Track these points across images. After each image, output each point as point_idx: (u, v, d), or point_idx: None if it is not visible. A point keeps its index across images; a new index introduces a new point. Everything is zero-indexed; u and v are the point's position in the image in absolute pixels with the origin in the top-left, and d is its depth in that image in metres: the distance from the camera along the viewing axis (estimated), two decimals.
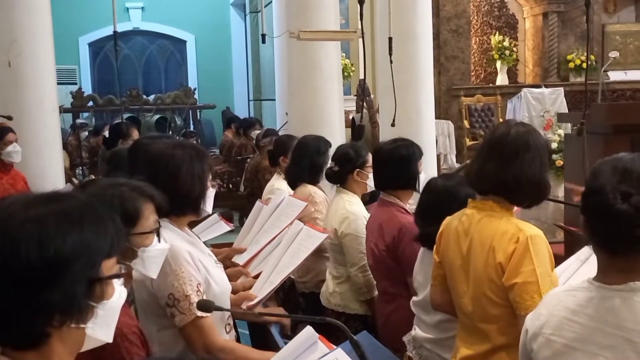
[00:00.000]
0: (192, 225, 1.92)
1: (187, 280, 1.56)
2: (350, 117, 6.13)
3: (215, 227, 2.61)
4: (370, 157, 2.59)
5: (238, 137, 6.97)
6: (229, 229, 2.65)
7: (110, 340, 0.93)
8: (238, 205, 5.85)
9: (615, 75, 8.63)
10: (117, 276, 0.92)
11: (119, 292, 0.92)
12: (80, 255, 0.84)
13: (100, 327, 0.89)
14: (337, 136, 4.28)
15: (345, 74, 7.47)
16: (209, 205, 1.75)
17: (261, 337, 2.06)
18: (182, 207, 1.68)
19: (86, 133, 7.87)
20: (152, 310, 1.61)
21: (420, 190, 2.32)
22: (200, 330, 1.56)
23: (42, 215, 0.84)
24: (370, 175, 2.55)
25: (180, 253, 1.59)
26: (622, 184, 1.09)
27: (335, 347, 1.32)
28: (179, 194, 1.64)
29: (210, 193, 1.75)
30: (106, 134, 5.29)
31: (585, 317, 1.15)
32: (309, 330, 1.34)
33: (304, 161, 2.90)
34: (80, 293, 0.84)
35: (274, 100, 7.97)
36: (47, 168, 3.86)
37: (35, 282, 0.81)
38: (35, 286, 0.81)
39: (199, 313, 1.54)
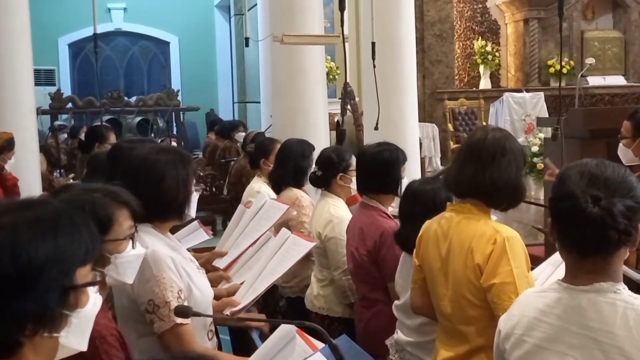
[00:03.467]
0: (172, 230, 1.90)
1: (168, 286, 1.54)
2: (336, 120, 6.14)
3: (195, 234, 2.58)
4: (354, 160, 2.59)
5: (221, 139, 6.93)
6: (207, 237, 2.62)
7: (84, 348, 0.92)
8: (221, 209, 5.81)
9: (594, 81, 8.81)
10: (92, 284, 0.90)
11: (93, 300, 0.91)
12: (54, 263, 0.82)
13: (74, 336, 0.88)
14: (322, 139, 4.28)
15: (331, 76, 7.49)
16: (192, 209, 1.74)
17: (242, 343, 2.05)
18: (166, 212, 1.67)
19: (65, 135, 7.74)
20: (132, 317, 1.59)
21: None
22: (179, 338, 1.54)
23: (15, 223, 0.83)
24: (354, 179, 2.56)
25: (163, 258, 1.57)
26: (591, 188, 1.11)
27: (318, 344, 1.32)
28: (163, 199, 1.63)
29: (194, 197, 1.74)
30: (83, 136, 5.21)
31: (554, 318, 1.17)
32: (286, 327, 1.35)
33: (288, 165, 2.89)
34: (53, 301, 0.82)
35: (259, 102, 7.95)
36: (23, 170, 3.81)
37: (7, 290, 0.79)
38: (7, 295, 0.79)
39: (179, 320, 1.52)
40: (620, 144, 2.61)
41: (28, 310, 0.80)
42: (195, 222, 2.58)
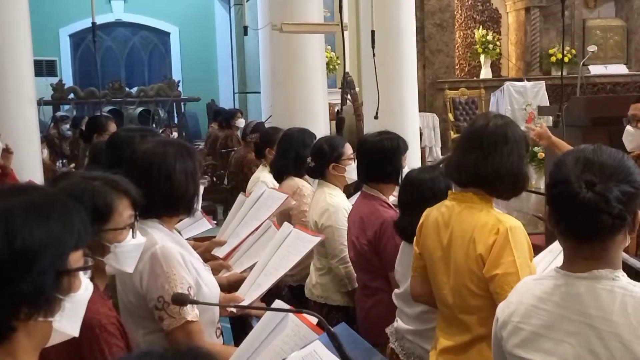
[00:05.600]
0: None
1: (178, 282, 1.53)
2: (336, 110, 6.13)
3: (198, 224, 2.58)
4: (347, 149, 2.59)
5: (222, 129, 6.94)
6: (211, 226, 2.62)
7: (76, 334, 0.92)
8: (222, 198, 5.83)
9: (595, 69, 8.76)
10: (84, 268, 0.91)
11: (85, 285, 0.92)
12: (47, 247, 0.83)
13: (68, 320, 0.89)
14: (322, 128, 4.27)
15: (331, 66, 7.47)
16: (199, 202, 1.73)
17: (243, 332, 2.06)
18: (176, 207, 1.65)
19: (67, 125, 7.75)
20: (140, 314, 1.58)
21: None
22: (188, 335, 1.53)
23: (9, 208, 0.83)
24: (348, 168, 2.55)
25: (173, 255, 1.55)
26: (586, 173, 1.11)
27: (314, 326, 1.33)
28: (174, 194, 1.61)
29: (200, 190, 1.73)
30: (84, 126, 5.21)
31: (552, 305, 1.16)
32: (277, 303, 1.36)
33: (289, 154, 2.90)
34: (48, 285, 0.83)
35: (259, 92, 7.93)
36: (24, 161, 3.80)
37: (2, 274, 0.80)
38: (2, 279, 0.80)
39: (189, 317, 1.52)
40: (629, 128, 2.56)
41: (23, 293, 0.81)
42: (198, 212, 2.57)
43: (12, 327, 0.82)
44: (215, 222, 2.92)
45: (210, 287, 1.65)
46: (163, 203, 1.60)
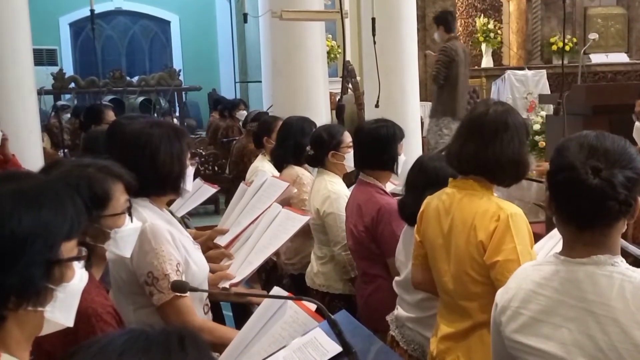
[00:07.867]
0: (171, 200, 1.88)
1: (167, 259, 1.55)
2: (337, 99, 6.11)
3: (200, 191, 2.58)
4: (346, 137, 2.59)
5: (223, 119, 6.93)
6: (214, 190, 2.62)
7: (71, 324, 0.90)
8: (223, 188, 5.83)
9: (596, 58, 8.71)
10: (77, 259, 0.89)
11: (79, 275, 0.90)
12: (37, 236, 0.81)
13: (60, 311, 0.87)
14: (322, 117, 4.27)
15: (332, 55, 7.42)
16: (188, 183, 1.74)
17: (244, 320, 2.07)
18: (162, 187, 1.67)
19: (68, 115, 7.73)
20: (130, 289, 1.60)
21: (399, 172, 2.33)
22: (177, 310, 1.56)
23: None
24: (347, 156, 2.56)
25: (161, 232, 1.58)
26: (591, 159, 1.10)
27: (313, 313, 1.35)
28: (158, 174, 1.63)
29: (190, 171, 1.74)
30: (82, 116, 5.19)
31: (551, 290, 1.17)
32: (275, 290, 1.38)
33: (289, 142, 2.90)
34: (37, 275, 0.81)
35: (260, 82, 7.89)
36: (25, 150, 3.79)
37: None
38: None
39: (178, 293, 1.53)
40: (638, 124, 2.55)
41: (11, 283, 0.79)
42: (198, 179, 2.57)
43: (2, 316, 0.80)
44: (216, 189, 2.90)
45: (199, 266, 1.66)
46: (149, 183, 1.61)
